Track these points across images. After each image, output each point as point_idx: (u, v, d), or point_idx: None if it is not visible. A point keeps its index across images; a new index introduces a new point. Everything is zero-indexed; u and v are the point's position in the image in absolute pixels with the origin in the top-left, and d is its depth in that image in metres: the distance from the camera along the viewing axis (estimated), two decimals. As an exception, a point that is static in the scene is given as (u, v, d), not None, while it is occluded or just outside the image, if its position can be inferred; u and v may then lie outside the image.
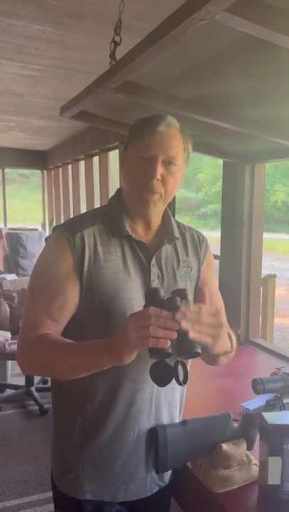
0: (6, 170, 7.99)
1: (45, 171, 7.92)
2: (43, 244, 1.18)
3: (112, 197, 1.16)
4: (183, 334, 0.85)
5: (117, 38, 1.46)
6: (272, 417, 1.04)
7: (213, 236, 2.54)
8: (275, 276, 3.74)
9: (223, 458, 1.11)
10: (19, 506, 2.37)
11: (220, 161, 2.60)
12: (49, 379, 1.25)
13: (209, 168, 16.15)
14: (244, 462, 1.14)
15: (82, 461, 1.08)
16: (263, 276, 2.94)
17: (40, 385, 3.58)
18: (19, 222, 8.92)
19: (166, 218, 1.16)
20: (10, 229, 7.11)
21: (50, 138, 6.19)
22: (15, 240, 6.40)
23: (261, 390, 1.26)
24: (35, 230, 7.15)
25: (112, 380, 1.03)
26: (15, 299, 3.65)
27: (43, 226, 8.02)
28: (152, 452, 1.10)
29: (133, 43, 1.08)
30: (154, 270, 1.09)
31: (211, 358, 1.02)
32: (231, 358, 1.10)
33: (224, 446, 1.12)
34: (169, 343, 0.82)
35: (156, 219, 1.13)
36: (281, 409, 1.24)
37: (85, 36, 2.32)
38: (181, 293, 0.91)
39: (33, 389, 3.42)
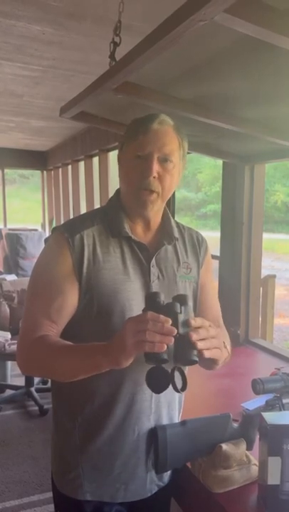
0: (6, 170, 7.99)
1: (45, 172, 7.92)
2: (43, 244, 1.18)
3: (111, 198, 1.17)
4: (181, 341, 0.85)
5: (117, 39, 1.46)
6: (271, 417, 1.04)
7: (212, 236, 2.54)
8: (274, 276, 3.75)
9: (222, 458, 1.11)
10: (19, 507, 2.36)
11: (220, 162, 2.60)
12: (49, 379, 1.26)
13: (209, 169, 16.16)
14: (244, 462, 1.14)
15: (81, 461, 1.08)
16: (262, 276, 2.94)
17: (40, 386, 3.58)
18: (19, 223, 8.92)
19: (165, 218, 1.16)
20: (10, 229, 7.10)
21: (50, 138, 6.19)
22: (15, 241, 6.39)
23: (261, 390, 1.26)
24: (35, 230, 7.14)
25: (112, 380, 1.04)
26: (15, 299, 3.64)
27: (43, 226, 8.02)
28: (152, 452, 1.10)
29: (133, 43, 1.08)
30: (154, 271, 1.09)
31: (209, 364, 1.01)
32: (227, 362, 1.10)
33: (224, 446, 1.12)
34: (166, 347, 0.82)
35: (155, 218, 1.13)
36: (281, 410, 1.24)
37: (85, 37, 2.33)
38: (182, 299, 0.91)
39: (33, 389, 3.42)
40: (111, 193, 1.19)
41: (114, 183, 4.78)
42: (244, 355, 2.28)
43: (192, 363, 0.88)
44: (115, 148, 4.57)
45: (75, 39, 2.37)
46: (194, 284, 1.17)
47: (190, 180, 16.85)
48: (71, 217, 4.73)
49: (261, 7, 0.80)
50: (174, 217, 1.19)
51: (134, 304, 1.04)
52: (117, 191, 1.16)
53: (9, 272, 5.87)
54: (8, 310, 3.59)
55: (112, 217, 1.10)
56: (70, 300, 1.02)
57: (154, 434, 1.08)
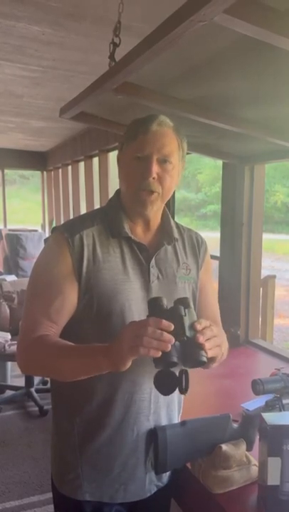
0: (6, 171, 7.99)
1: (44, 172, 7.91)
2: (43, 245, 1.18)
3: (110, 198, 1.17)
4: (188, 343, 0.86)
5: (117, 40, 1.46)
6: (271, 418, 1.04)
7: (212, 237, 2.55)
8: (274, 277, 3.75)
9: (222, 458, 1.11)
10: (19, 507, 2.36)
11: (219, 162, 2.60)
12: (49, 380, 1.26)
13: (209, 169, 16.16)
14: (244, 463, 1.14)
15: (81, 461, 1.08)
16: (262, 277, 2.94)
17: (40, 386, 3.58)
18: (19, 223, 8.93)
19: (165, 218, 1.16)
20: (10, 230, 7.10)
21: (49, 139, 6.19)
22: (15, 241, 6.40)
23: (261, 390, 1.26)
24: (35, 230, 7.14)
25: (110, 381, 1.04)
26: (15, 299, 3.64)
27: (43, 227, 8.02)
28: (151, 453, 1.10)
29: (132, 44, 1.08)
30: (154, 271, 1.09)
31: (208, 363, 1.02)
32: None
33: (224, 446, 1.12)
34: (169, 347, 0.82)
35: (155, 219, 1.13)
36: (281, 410, 1.24)
37: (85, 37, 2.33)
38: (184, 302, 0.92)
39: (32, 390, 3.41)
40: (111, 194, 1.19)
41: (114, 184, 4.78)
42: (244, 356, 2.28)
43: (201, 363, 0.90)
44: (115, 149, 4.57)
45: (75, 40, 2.37)
46: (194, 284, 1.17)
47: (190, 181, 16.86)
48: (71, 217, 4.74)
49: (261, 8, 0.80)
50: (173, 218, 1.20)
51: (134, 304, 1.04)
52: (117, 192, 1.16)
53: (9, 273, 5.88)
54: (8, 311, 3.59)
55: (112, 218, 1.10)
56: (70, 300, 1.02)
57: (153, 434, 1.08)
